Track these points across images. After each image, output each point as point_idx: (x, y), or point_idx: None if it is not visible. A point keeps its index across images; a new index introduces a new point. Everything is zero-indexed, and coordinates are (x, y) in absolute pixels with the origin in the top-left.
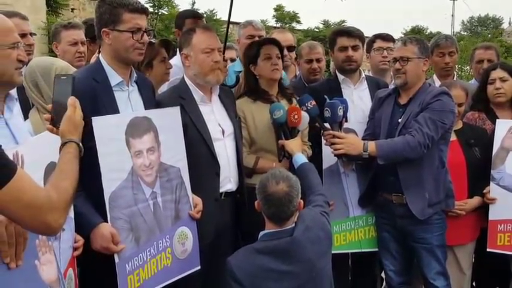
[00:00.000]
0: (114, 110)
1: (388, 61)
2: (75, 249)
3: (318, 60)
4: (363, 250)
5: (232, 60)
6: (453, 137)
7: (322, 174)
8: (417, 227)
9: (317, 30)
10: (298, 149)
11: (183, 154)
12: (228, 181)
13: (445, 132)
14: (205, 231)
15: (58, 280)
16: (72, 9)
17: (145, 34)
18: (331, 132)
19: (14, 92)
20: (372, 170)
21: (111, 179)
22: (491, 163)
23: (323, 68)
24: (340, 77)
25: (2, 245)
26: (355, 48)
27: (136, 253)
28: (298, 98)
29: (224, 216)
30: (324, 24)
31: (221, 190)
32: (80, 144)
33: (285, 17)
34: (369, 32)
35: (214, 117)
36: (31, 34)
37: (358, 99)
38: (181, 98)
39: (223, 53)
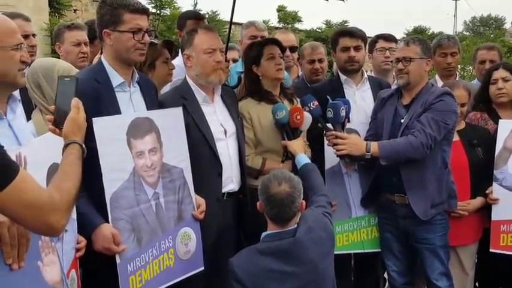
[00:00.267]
0: (116, 110)
1: (391, 61)
2: (77, 250)
3: (320, 61)
4: (366, 251)
5: (235, 60)
6: (456, 138)
7: (325, 175)
8: (420, 227)
9: (319, 30)
10: (301, 150)
11: (186, 155)
12: (231, 181)
13: (448, 132)
14: (208, 231)
15: (61, 281)
16: (75, 10)
17: (146, 34)
18: (333, 132)
19: (16, 93)
20: (374, 170)
21: (112, 180)
22: (494, 163)
23: (325, 68)
24: (343, 77)
25: (4, 246)
26: (357, 48)
27: (138, 254)
28: (297, 99)
29: (226, 216)
30: (326, 24)
31: (223, 190)
32: (83, 145)
33: (287, 18)
34: (370, 32)
35: (217, 117)
36: (33, 35)
37: (360, 100)
38: (183, 98)
39: (226, 54)
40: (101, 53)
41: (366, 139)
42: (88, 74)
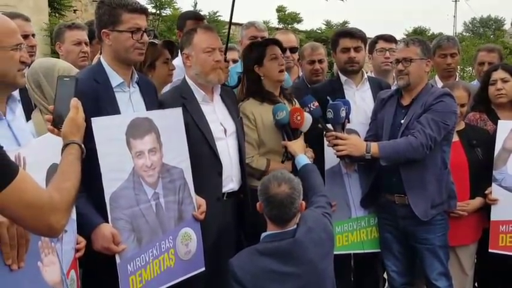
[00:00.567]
0: (115, 110)
1: (391, 62)
2: (77, 250)
3: (320, 61)
4: (365, 251)
5: (235, 61)
6: (455, 138)
7: (324, 175)
8: (419, 227)
9: (319, 31)
10: (301, 150)
11: (186, 155)
12: (230, 180)
13: (448, 133)
14: (208, 231)
15: (61, 282)
16: (75, 11)
17: (145, 34)
18: (333, 133)
19: (16, 93)
20: (374, 170)
21: (112, 180)
22: (493, 164)
23: (325, 69)
24: (343, 78)
25: (4, 247)
26: (357, 49)
27: (138, 254)
28: (295, 100)
29: (226, 216)
30: (326, 25)
31: (223, 190)
32: (82, 145)
33: (287, 18)
34: (370, 33)
35: (217, 116)
36: (33, 35)
37: (360, 100)
38: (182, 97)
39: (225, 54)
40: (101, 53)
41: (365, 140)
42: (87, 74)
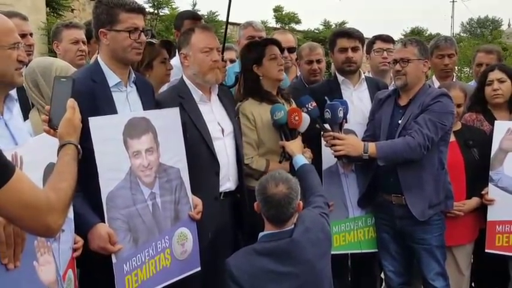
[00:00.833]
0: (112, 110)
1: (388, 62)
2: (74, 250)
3: (318, 61)
4: (363, 251)
5: (232, 61)
6: (452, 138)
7: (322, 175)
8: (416, 227)
9: (317, 31)
10: (299, 151)
11: (183, 155)
12: (228, 180)
13: (445, 133)
14: (205, 230)
15: (56, 281)
16: (72, 10)
17: (142, 34)
18: (331, 133)
19: (13, 92)
20: (371, 170)
21: (109, 179)
22: (490, 164)
23: (323, 69)
24: (340, 78)
25: (0, 246)
26: (354, 49)
27: (134, 254)
28: (293, 100)
29: (224, 215)
30: (324, 25)
31: (220, 189)
32: (79, 146)
33: (285, 18)
34: (368, 33)
35: (214, 116)
36: (31, 34)
37: (357, 100)
38: (180, 97)
39: (222, 53)
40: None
41: (363, 140)
42: (84, 74)
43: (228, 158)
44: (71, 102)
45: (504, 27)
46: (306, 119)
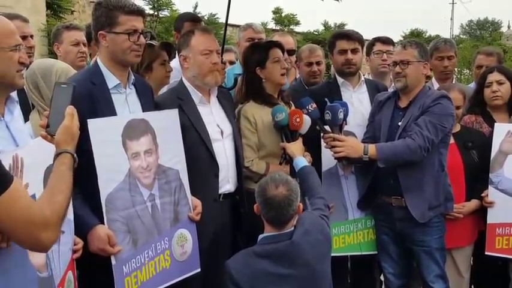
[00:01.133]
0: (112, 112)
1: (388, 64)
2: (74, 251)
3: (318, 63)
4: (363, 253)
5: (232, 62)
6: (451, 140)
7: (322, 177)
8: (416, 229)
9: (316, 33)
10: (299, 152)
11: (182, 156)
12: (227, 182)
13: (445, 135)
14: (204, 232)
15: (46, 265)
16: (72, 12)
17: (141, 36)
18: (331, 135)
19: (14, 94)
20: (371, 172)
21: (108, 181)
22: (490, 167)
23: (323, 71)
24: (340, 80)
25: None
26: (354, 51)
27: (133, 255)
28: (291, 102)
29: (223, 217)
30: (324, 26)
31: (220, 191)
32: (75, 155)
33: (284, 20)
34: (367, 34)
35: (213, 118)
36: (31, 36)
37: (357, 102)
38: (179, 99)
39: (221, 55)
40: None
41: (363, 142)
42: (84, 76)
43: (228, 160)
44: (70, 110)
45: (504, 29)
46: (307, 121)
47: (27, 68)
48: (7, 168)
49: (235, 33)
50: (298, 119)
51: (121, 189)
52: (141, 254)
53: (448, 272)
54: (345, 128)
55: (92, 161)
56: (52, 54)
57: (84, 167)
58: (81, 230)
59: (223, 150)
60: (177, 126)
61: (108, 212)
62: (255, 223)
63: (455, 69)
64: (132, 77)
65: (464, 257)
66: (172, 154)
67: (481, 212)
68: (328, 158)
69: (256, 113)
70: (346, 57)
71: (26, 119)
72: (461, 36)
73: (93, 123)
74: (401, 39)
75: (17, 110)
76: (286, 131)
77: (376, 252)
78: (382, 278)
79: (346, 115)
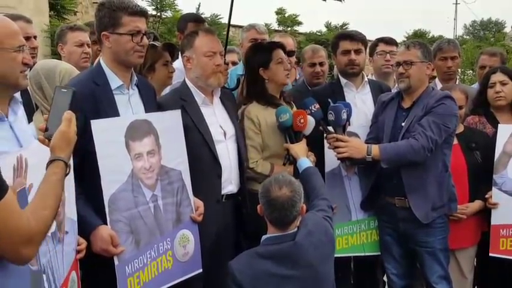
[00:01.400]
0: (115, 113)
1: (391, 65)
2: (78, 252)
3: (321, 64)
4: (366, 254)
5: (234, 63)
6: (454, 141)
7: (325, 178)
8: (420, 230)
9: (319, 33)
10: (303, 153)
11: (185, 157)
12: (229, 183)
13: (449, 136)
14: (207, 233)
15: (36, 258)
16: (75, 13)
17: (145, 37)
18: (334, 135)
19: (18, 95)
20: (374, 173)
21: (111, 182)
22: (493, 168)
23: (326, 71)
24: (343, 80)
25: None
26: (357, 51)
27: (136, 256)
28: (293, 103)
29: (225, 218)
30: (326, 27)
31: (222, 192)
32: (69, 163)
33: (287, 20)
34: (370, 34)
35: (216, 119)
36: (35, 37)
37: (360, 103)
38: (182, 100)
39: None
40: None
41: (366, 142)
42: (87, 76)
43: (230, 161)
44: (68, 115)
45: (507, 29)
46: (311, 122)
47: (30, 69)
48: (11, 168)
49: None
50: (302, 120)
51: (124, 190)
52: (144, 254)
53: (451, 273)
54: (348, 128)
55: (95, 161)
56: (55, 55)
57: (87, 167)
58: (84, 230)
59: (226, 151)
60: (179, 127)
61: (111, 213)
62: (258, 224)
63: (459, 69)
64: (135, 78)
65: (467, 258)
66: (175, 155)
67: (485, 213)
68: (331, 159)
69: (260, 114)
70: (349, 57)
71: (30, 119)
72: (465, 36)
73: (96, 124)
74: (405, 39)
75: (21, 111)
76: (290, 132)
77: (379, 253)
78: (385, 278)
79: (349, 116)
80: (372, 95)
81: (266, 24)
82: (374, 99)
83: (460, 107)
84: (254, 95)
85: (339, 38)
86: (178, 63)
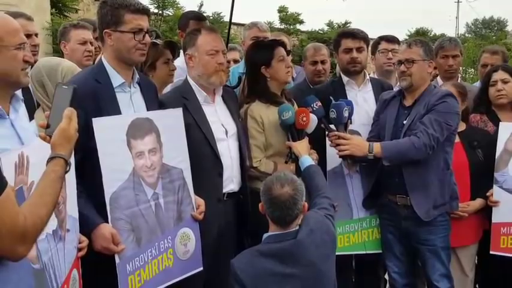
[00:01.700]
0: (116, 111)
1: (393, 63)
2: (79, 250)
3: (323, 62)
4: (367, 252)
5: (236, 61)
6: (456, 139)
7: (326, 176)
8: (421, 228)
9: (321, 32)
10: (305, 151)
11: (186, 155)
12: (231, 181)
13: (450, 133)
14: (208, 231)
15: (37, 257)
16: (77, 10)
17: (147, 35)
18: (336, 133)
19: (19, 92)
20: (376, 171)
21: (112, 180)
22: (495, 166)
23: (328, 69)
24: (345, 78)
25: None
26: (359, 50)
27: (137, 254)
28: (294, 101)
29: (227, 216)
30: (328, 25)
31: (224, 190)
32: (69, 160)
33: (289, 19)
34: (372, 34)
35: (218, 117)
36: (36, 34)
37: (362, 101)
38: (184, 98)
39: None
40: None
41: (368, 140)
42: (88, 74)
43: (232, 159)
44: (68, 112)
45: (509, 27)
46: (313, 120)
47: (32, 67)
48: (13, 166)
49: (240, 32)
50: (304, 118)
51: (125, 188)
52: (145, 252)
53: (453, 271)
54: (350, 127)
55: (97, 159)
56: (57, 53)
57: (89, 165)
58: (85, 228)
59: (227, 150)
60: (181, 125)
61: (113, 211)
62: (259, 222)
63: (460, 68)
64: (137, 76)
65: (468, 256)
66: (176, 153)
67: (486, 211)
68: (332, 157)
69: (263, 113)
70: (351, 55)
71: (31, 117)
72: (467, 35)
73: (98, 122)
74: (407, 37)
75: (22, 108)
76: (293, 130)
77: (380, 251)
78: (386, 276)
79: (351, 113)
80: (374, 93)
81: (268, 23)
82: (376, 98)
83: None
84: (256, 93)
85: (341, 36)
86: (179, 61)
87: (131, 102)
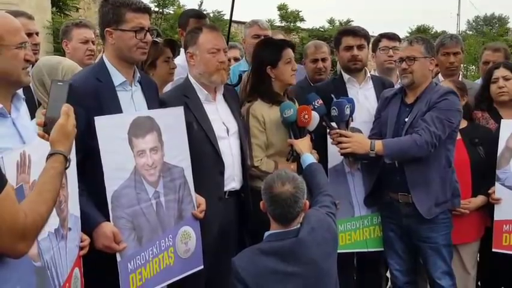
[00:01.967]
0: (117, 109)
1: (394, 60)
2: (81, 248)
3: (324, 60)
4: (369, 250)
5: (236, 59)
6: (458, 136)
7: (328, 174)
8: (423, 226)
9: (322, 30)
10: (307, 149)
11: (187, 154)
12: (232, 180)
13: (452, 131)
14: (210, 230)
15: (38, 254)
16: (77, 9)
17: (148, 33)
18: (337, 131)
19: (20, 91)
20: (377, 169)
21: (114, 178)
22: (496, 163)
23: (328, 67)
24: (346, 76)
25: None
26: (360, 47)
27: (138, 252)
28: (295, 99)
29: (228, 215)
30: (329, 23)
31: (225, 189)
32: (69, 156)
33: (289, 16)
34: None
35: (219, 116)
36: (36, 33)
37: (363, 99)
38: (185, 96)
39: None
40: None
41: (369, 138)
42: (89, 73)
43: (233, 157)
44: (66, 108)
45: (510, 24)
46: (315, 118)
47: (33, 66)
48: (15, 165)
49: (240, 30)
50: (306, 116)
51: (126, 186)
52: (146, 251)
53: (455, 268)
54: (351, 124)
55: (98, 158)
56: (57, 52)
57: (90, 164)
58: (87, 227)
59: (228, 148)
60: (182, 124)
61: (114, 209)
62: (261, 220)
63: (462, 65)
64: (138, 74)
65: (470, 253)
66: (178, 152)
67: (488, 209)
68: (334, 155)
69: (265, 112)
70: (352, 53)
71: (32, 116)
72: (468, 32)
73: (99, 121)
74: (408, 35)
75: (23, 107)
76: (294, 128)
77: (382, 249)
78: (388, 274)
79: (352, 111)
80: (375, 91)
81: (268, 20)
82: (377, 95)
83: None
84: (259, 92)
85: (342, 34)
86: (180, 60)
87: (132, 100)
